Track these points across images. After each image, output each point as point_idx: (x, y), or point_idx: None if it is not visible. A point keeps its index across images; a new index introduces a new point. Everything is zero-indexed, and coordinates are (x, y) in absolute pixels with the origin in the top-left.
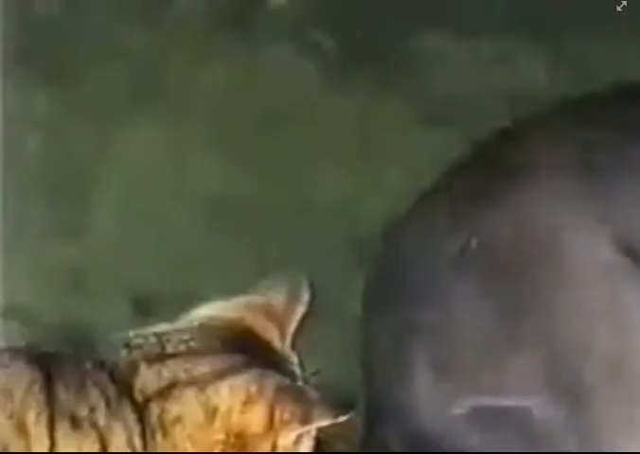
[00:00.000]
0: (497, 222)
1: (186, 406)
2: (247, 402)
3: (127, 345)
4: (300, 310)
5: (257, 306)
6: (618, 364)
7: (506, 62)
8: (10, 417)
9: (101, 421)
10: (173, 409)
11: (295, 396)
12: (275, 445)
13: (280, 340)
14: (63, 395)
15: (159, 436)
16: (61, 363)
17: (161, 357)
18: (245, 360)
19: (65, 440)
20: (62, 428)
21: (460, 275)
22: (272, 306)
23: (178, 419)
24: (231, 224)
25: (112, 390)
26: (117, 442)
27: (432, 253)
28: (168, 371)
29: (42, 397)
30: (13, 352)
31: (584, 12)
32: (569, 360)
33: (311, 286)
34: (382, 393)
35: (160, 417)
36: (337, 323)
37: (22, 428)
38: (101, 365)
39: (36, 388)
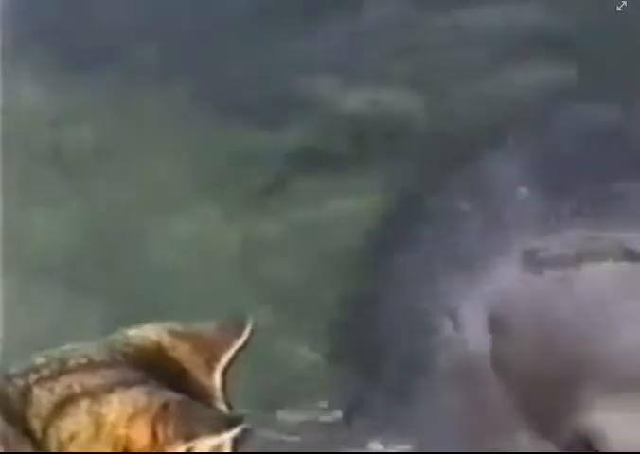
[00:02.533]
0: None
1: (80, 420)
2: (133, 416)
3: (24, 373)
4: (237, 343)
5: (183, 334)
6: None
7: None
8: None
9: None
10: (68, 426)
11: (182, 413)
12: None
13: (206, 374)
14: None
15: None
16: None
17: (56, 375)
18: (142, 376)
19: None
20: None
21: None
22: (200, 338)
23: (72, 436)
24: None
25: (10, 433)
26: None
27: None
28: (62, 386)
29: None
30: None
31: None
32: None
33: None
34: None
35: (58, 438)
36: None
37: None
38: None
39: None
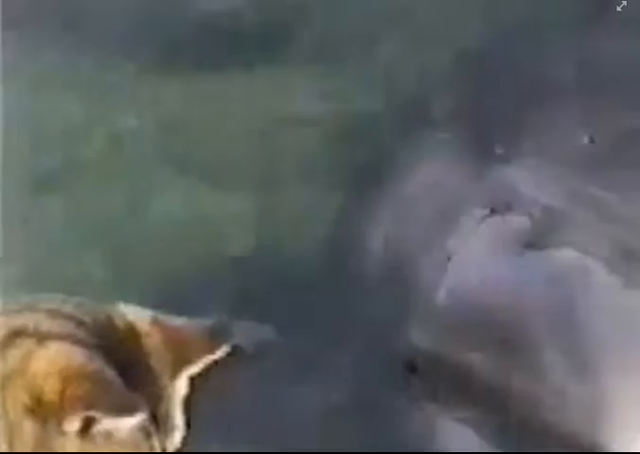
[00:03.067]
0: None
1: (22, 357)
2: (60, 370)
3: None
4: (213, 356)
5: (162, 324)
6: None
7: None
8: None
9: None
10: (9, 360)
11: (95, 383)
12: (61, 426)
13: (168, 375)
14: None
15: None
16: None
17: (22, 309)
18: (96, 345)
19: None
20: None
21: None
22: (180, 333)
23: (14, 371)
24: None
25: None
26: None
27: None
28: (20, 320)
29: None
30: None
31: None
32: None
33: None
34: None
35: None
36: None
37: None
38: None
39: None
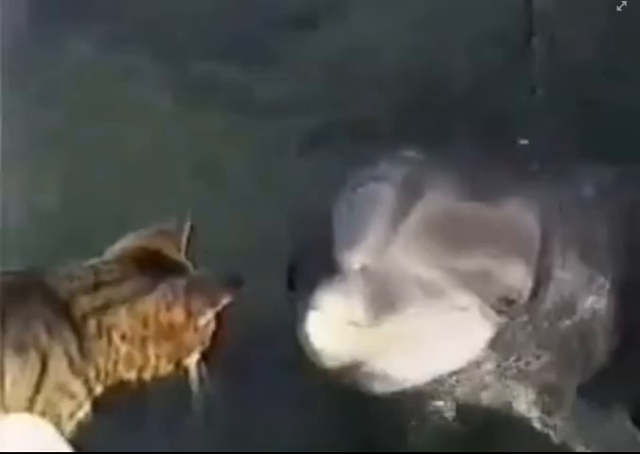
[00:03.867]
0: None
1: (120, 318)
2: (169, 305)
3: (69, 277)
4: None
5: (159, 232)
6: None
7: None
8: None
9: (43, 343)
10: (109, 320)
11: (200, 290)
12: (196, 327)
13: (177, 253)
14: (12, 328)
15: (97, 341)
16: (12, 299)
17: (94, 287)
18: (154, 280)
19: (10, 362)
20: (9, 353)
21: None
22: (167, 231)
23: (114, 325)
24: None
25: (54, 317)
26: (56, 356)
27: None
28: (102, 296)
29: None
30: None
31: None
32: None
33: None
34: None
35: (97, 326)
36: None
37: None
38: (46, 295)
39: None
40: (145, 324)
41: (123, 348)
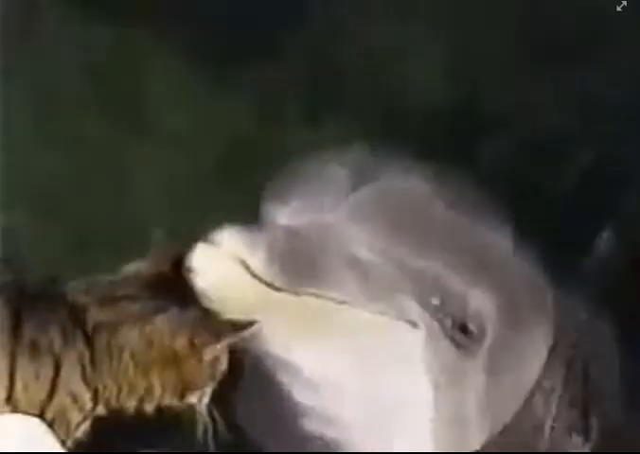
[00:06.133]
0: None
1: (131, 338)
2: (172, 332)
3: (86, 288)
4: None
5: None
6: None
7: None
8: None
9: (57, 349)
10: (119, 339)
11: (208, 322)
12: (201, 359)
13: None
14: (28, 330)
15: (106, 359)
16: (30, 302)
17: (110, 301)
18: (167, 303)
19: (23, 368)
20: (22, 359)
21: None
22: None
23: (123, 347)
24: None
25: (69, 324)
26: (69, 363)
27: None
28: (115, 312)
29: (7, 334)
30: None
31: None
32: None
33: None
34: None
35: (108, 344)
36: None
37: None
38: (61, 303)
39: (5, 325)
40: (150, 346)
41: (130, 370)
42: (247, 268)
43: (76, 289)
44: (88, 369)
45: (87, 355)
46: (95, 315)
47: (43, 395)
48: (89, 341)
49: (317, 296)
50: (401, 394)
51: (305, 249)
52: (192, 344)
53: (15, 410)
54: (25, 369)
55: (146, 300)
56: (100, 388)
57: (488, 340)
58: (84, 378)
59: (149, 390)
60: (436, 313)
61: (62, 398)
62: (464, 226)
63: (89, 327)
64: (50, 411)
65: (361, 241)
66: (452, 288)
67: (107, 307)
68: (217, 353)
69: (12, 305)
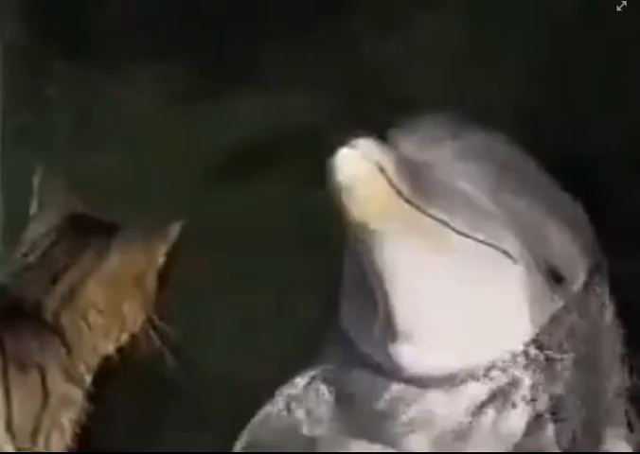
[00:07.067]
0: None
1: (91, 293)
2: (131, 253)
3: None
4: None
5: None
6: None
7: None
8: None
9: (38, 358)
10: (81, 303)
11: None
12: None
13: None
14: (10, 344)
15: (74, 331)
16: (5, 316)
17: (52, 282)
18: (103, 241)
19: (16, 383)
20: (13, 374)
21: None
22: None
23: (87, 305)
24: None
25: (36, 329)
26: (52, 369)
27: None
28: (63, 285)
29: None
30: None
31: None
32: None
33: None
34: None
35: (71, 316)
36: None
37: None
38: (20, 308)
39: None
40: (116, 284)
41: (100, 322)
42: (382, 170)
43: (17, 285)
44: (67, 364)
45: (62, 349)
46: (48, 305)
47: (37, 408)
48: (56, 332)
49: (433, 218)
50: (496, 322)
51: (422, 172)
52: (149, 255)
53: (10, 429)
54: (18, 386)
55: (82, 250)
56: (82, 369)
57: (576, 285)
58: (68, 377)
59: (122, 323)
60: (530, 251)
61: (54, 406)
62: (549, 183)
63: (49, 319)
64: (46, 422)
65: (468, 180)
66: (539, 227)
67: (54, 289)
68: (166, 249)
69: None
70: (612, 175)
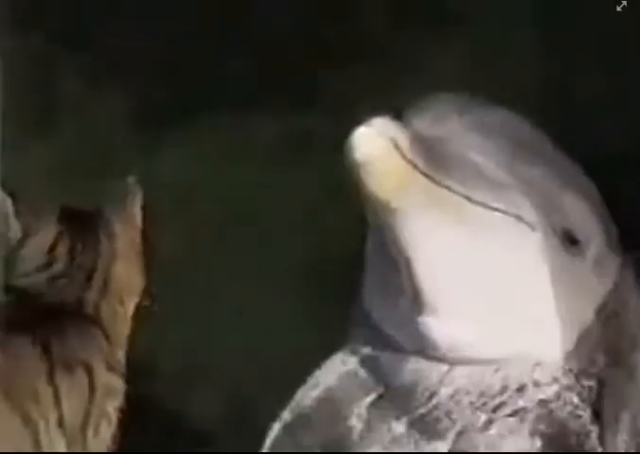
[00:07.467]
0: None
1: (120, 277)
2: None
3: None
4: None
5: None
6: None
7: None
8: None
9: (82, 356)
10: (114, 291)
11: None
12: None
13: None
14: (56, 348)
15: (113, 320)
16: (50, 320)
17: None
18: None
19: (64, 384)
20: (60, 376)
21: None
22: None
23: (119, 290)
24: None
25: (81, 327)
26: (98, 363)
27: None
28: (95, 281)
29: (43, 360)
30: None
31: None
32: None
33: None
34: None
35: (109, 305)
36: None
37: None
38: (63, 309)
39: (37, 352)
40: (128, 258)
41: (132, 300)
42: (397, 146)
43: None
44: (109, 355)
45: (104, 342)
46: (88, 300)
47: (84, 403)
48: (98, 325)
49: (450, 190)
50: (514, 289)
51: (437, 146)
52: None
53: (62, 425)
54: (66, 387)
55: (89, 242)
56: (120, 354)
57: (592, 251)
58: (109, 368)
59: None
60: (546, 217)
61: (100, 398)
62: (566, 160)
63: (91, 314)
64: (94, 416)
65: (482, 153)
66: (555, 196)
67: (87, 286)
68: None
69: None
70: (612, 175)
